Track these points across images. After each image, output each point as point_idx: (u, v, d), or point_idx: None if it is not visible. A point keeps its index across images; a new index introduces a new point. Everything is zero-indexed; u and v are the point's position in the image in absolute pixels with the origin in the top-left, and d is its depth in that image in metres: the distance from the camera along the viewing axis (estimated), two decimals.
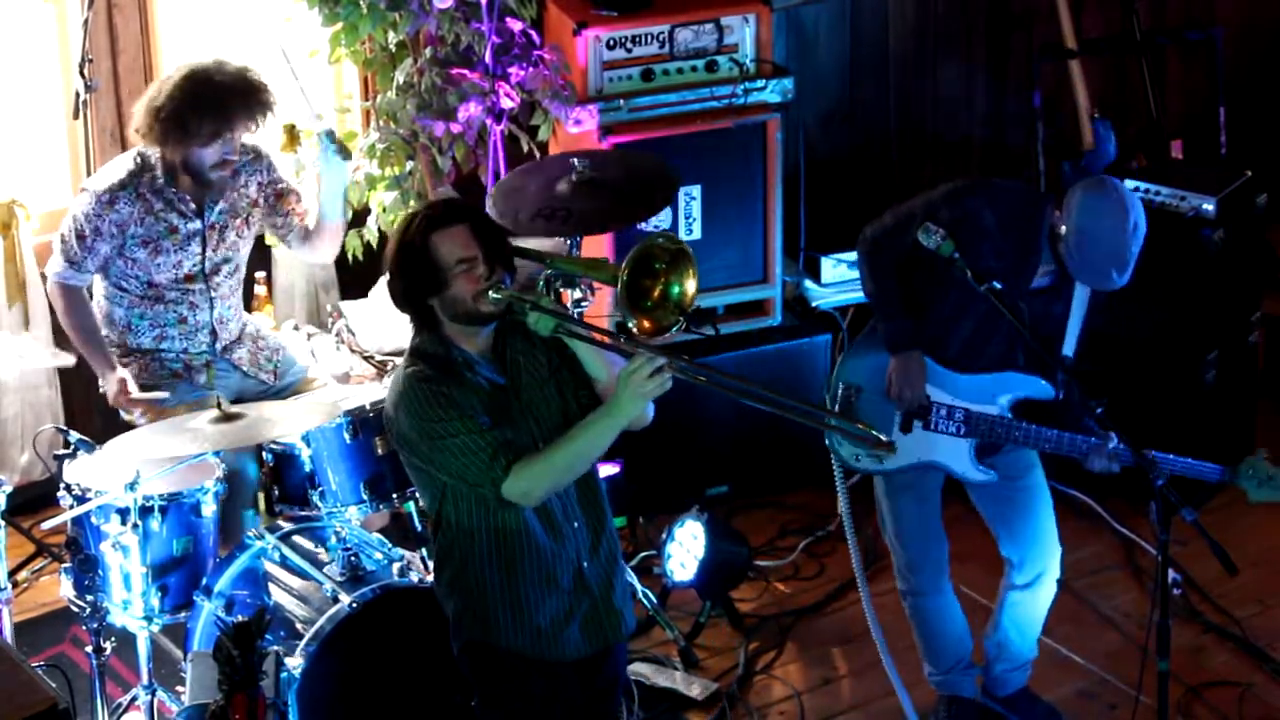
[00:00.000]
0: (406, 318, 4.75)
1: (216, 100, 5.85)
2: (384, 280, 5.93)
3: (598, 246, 6.67)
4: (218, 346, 6.14)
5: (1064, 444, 5.48)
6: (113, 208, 5.92)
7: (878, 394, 5.62)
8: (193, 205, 6.00)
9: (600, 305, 6.67)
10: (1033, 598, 5.80)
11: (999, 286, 5.30)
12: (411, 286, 4.66)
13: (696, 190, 6.83)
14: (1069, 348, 5.58)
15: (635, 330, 4.59)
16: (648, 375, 4.48)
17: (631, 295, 4.58)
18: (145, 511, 5.43)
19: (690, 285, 4.59)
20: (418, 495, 4.82)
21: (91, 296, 6.13)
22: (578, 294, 6.14)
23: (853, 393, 5.66)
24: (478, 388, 4.66)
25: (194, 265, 6.04)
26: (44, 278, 6.18)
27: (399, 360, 4.91)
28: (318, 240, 6.25)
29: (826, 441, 5.77)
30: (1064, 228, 5.36)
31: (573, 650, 4.77)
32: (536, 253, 5.32)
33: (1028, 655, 5.89)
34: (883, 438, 4.59)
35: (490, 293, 4.61)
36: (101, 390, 6.01)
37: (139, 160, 5.98)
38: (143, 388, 6.02)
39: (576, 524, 4.76)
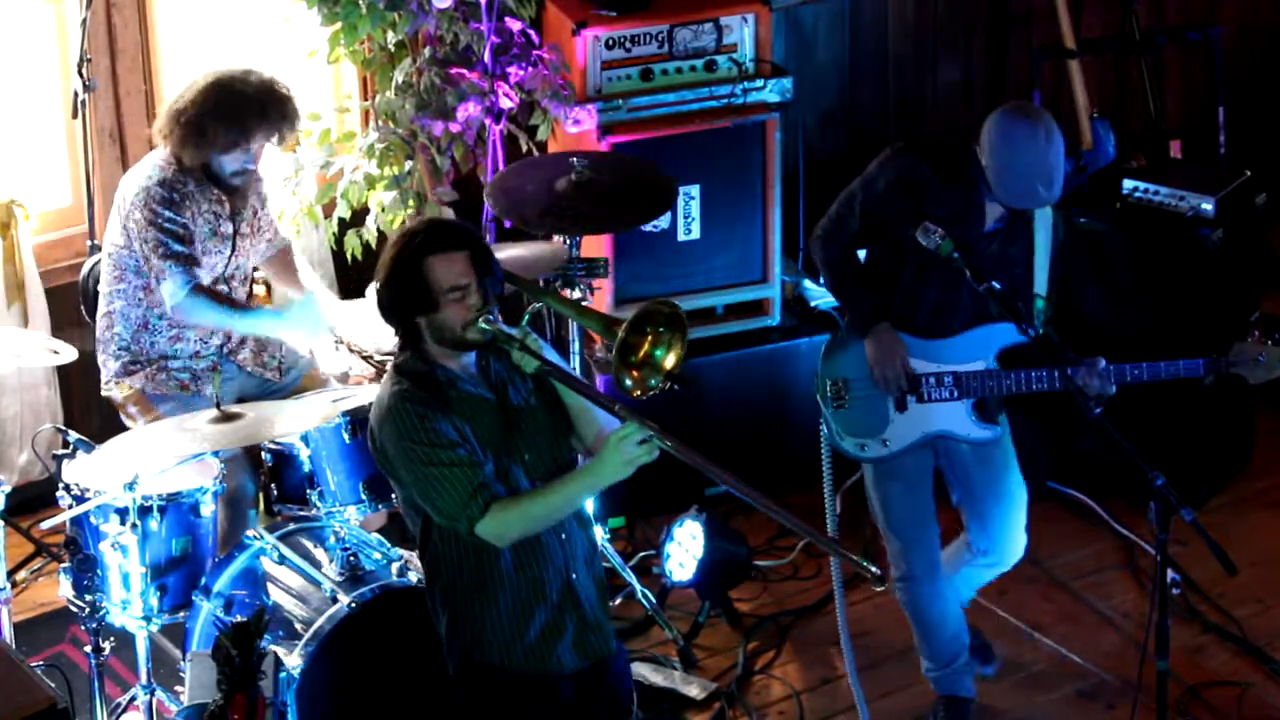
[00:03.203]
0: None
1: (236, 109, 5.85)
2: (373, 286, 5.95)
3: (597, 245, 6.67)
4: (225, 349, 6.14)
5: (1056, 379, 5.51)
6: (184, 202, 5.91)
7: (866, 382, 5.67)
8: (228, 208, 6.00)
9: (599, 305, 6.67)
10: (987, 574, 5.92)
11: (998, 287, 5.36)
12: (400, 302, 4.65)
13: (695, 190, 6.83)
14: (1041, 285, 5.61)
15: (627, 382, 4.59)
16: (637, 442, 4.49)
17: (622, 350, 4.58)
18: (144, 511, 5.43)
19: (674, 354, 4.60)
20: (403, 515, 4.81)
21: (98, 299, 6.12)
22: (577, 293, 6.15)
23: (842, 387, 5.70)
24: (470, 397, 4.66)
25: (221, 267, 6.05)
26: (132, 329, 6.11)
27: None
28: (281, 276, 6.31)
29: (823, 430, 5.81)
30: (983, 159, 5.45)
31: (568, 662, 4.75)
32: (531, 284, 5.33)
33: (963, 599, 6.00)
34: (873, 569, 4.62)
35: (479, 323, 4.62)
36: (117, 323, 6.01)
37: (173, 160, 5.96)
38: (151, 398, 6.02)
39: (564, 535, 4.74)
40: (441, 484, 4.58)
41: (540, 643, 4.72)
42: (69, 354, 5.93)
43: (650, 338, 4.59)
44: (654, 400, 4.60)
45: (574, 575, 4.75)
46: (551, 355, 4.71)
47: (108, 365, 6.12)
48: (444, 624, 4.78)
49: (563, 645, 4.74)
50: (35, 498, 6.53)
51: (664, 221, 6.82)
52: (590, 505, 4.92)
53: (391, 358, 4.80)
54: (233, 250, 6.06)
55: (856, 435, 5.70)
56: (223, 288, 6.08)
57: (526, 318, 5.20)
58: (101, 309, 6.13)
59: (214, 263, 6.02)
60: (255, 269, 6.28)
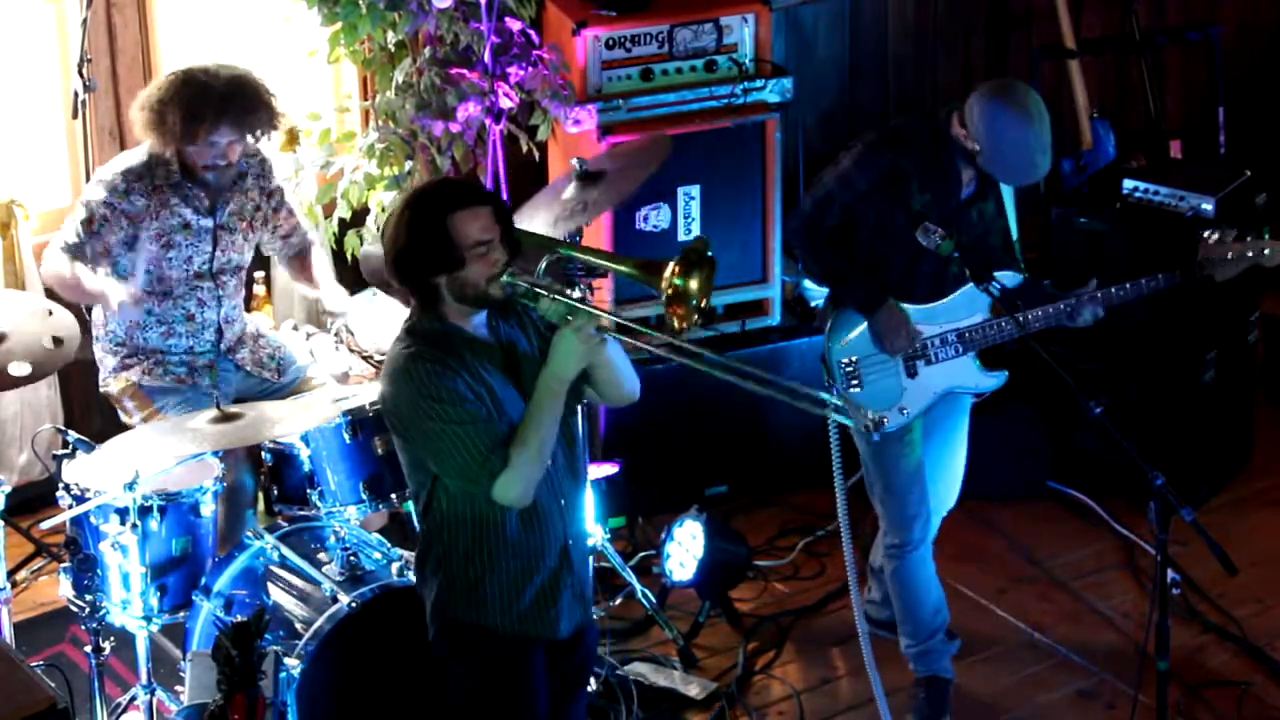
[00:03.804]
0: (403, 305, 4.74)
1: (196, 101, 5.83)
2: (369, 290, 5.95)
3: (596, 245, 6.66)
4: (222, 346, 6.14)
5: (1051, 316, 5.68)
6: (127, 198, 5.90)
7: (874, 357, 5.75)
8: (206, 202, 5.99)
9: (599, 305, 6.66)
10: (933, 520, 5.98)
11: (997, 288, 5.46)
12: (421, 262, 4.58)
13: (696, 190, 6.83)
14: (1014, 229, 5.81)
15: (675, 322, 4.62)
16: (590, 333, 4.51)
17: (667, 290, 4.62)
18: (144, 511, 5.42)
19: (696, 280, 4.61)
20: (406, 478, 4.78)
21: None
22: (576, 294, 6.12)
23: (853, 366, 5.76)
24: (488, 347, 4.65)
25: (203, 263, 6.04)
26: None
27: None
28: (297, 275, 6.35)
29: (829, 418, 5.84)
30: (975, 145, 5.56)
31: (564, 627, 4.78)
32: (545, 238, 5.31)
33: None
34: (871, 415, 4.78)
35: (503, 277, 4.60)
36: (111, 320, 5.99)
37: (153, 154, 5.96)
38: (148, 392, 6.02)
39: (563, 501, 4.75)
40: (458, 441, 4.55)
41: (534, 608, 4.74)
42: (64, 320, 5.85)
43: (679, 270, 4.61)
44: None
45: (570, 541, 4.78)
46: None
47: (105, 361, 6.12)
48: (434, 589, 4.78)
49: (557, 609, 4.76)
50: (35, 498, 6.53)
51: (664, 221, 6.82)
52: (589, 501, 4.92)
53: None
54: (215, 244, 6.04)
55: (875, 410, 5.75)
56: (208, 284, 6.06)
57: (545, 264, 5.17)
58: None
59: (187, 255, 6.00)
60: (258, 270, 6.30)
